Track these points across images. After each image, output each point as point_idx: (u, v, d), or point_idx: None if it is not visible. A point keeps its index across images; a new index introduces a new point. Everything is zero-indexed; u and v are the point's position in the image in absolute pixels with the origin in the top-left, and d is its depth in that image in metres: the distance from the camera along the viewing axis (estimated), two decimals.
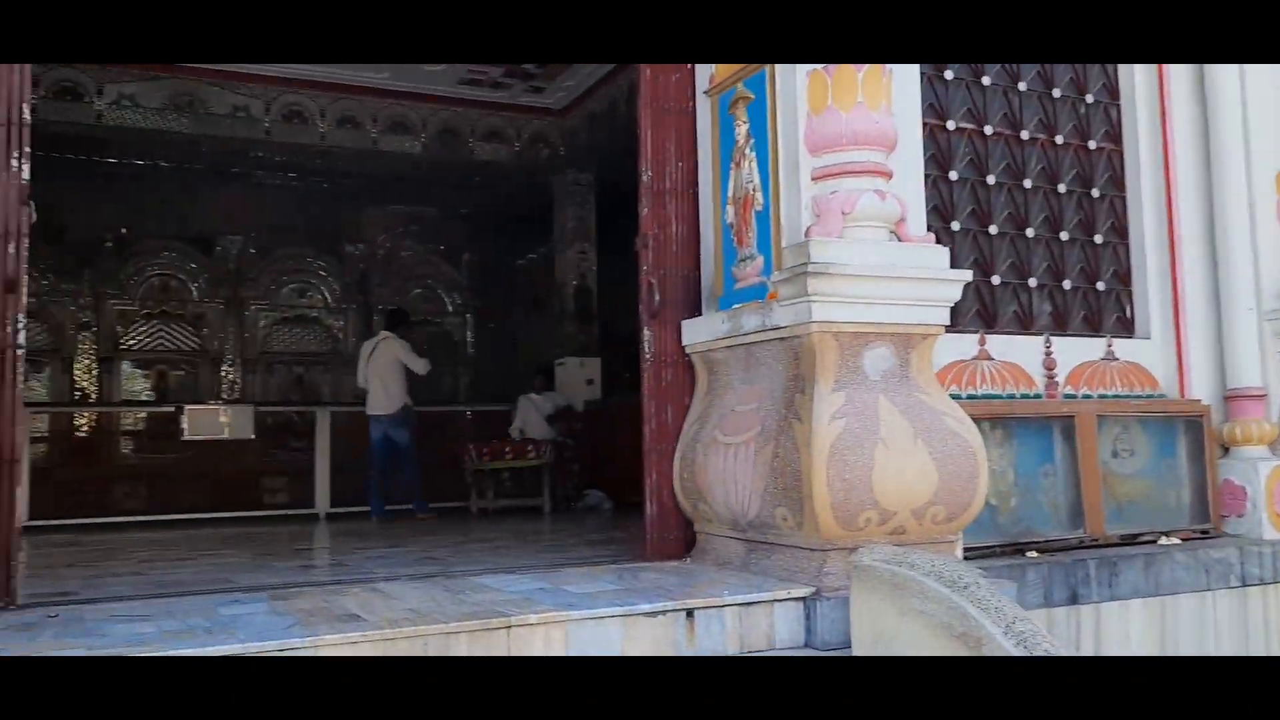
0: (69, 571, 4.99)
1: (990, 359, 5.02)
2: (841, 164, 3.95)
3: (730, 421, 4.22)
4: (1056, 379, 5.18)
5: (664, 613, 3.40)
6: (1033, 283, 5.32)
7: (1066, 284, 5.41)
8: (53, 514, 9.80)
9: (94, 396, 13.26)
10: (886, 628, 3.31)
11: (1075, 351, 5.27)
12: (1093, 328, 5.46)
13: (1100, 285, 5.50)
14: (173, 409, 11.54)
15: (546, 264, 13.86)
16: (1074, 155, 5.49)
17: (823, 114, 3.97)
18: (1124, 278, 5.57)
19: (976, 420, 4.84)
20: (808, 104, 4.03)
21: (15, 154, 3.49)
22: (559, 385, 11.86)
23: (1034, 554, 4.79)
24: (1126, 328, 5.54)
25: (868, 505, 3.74)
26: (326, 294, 15.27)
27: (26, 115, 3.52)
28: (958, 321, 5.05)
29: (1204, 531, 5.32)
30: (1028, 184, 5.34)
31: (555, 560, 4.81)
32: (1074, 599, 4.65)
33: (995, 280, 5.22)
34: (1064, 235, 5.42)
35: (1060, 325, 5.38)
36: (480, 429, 11.34)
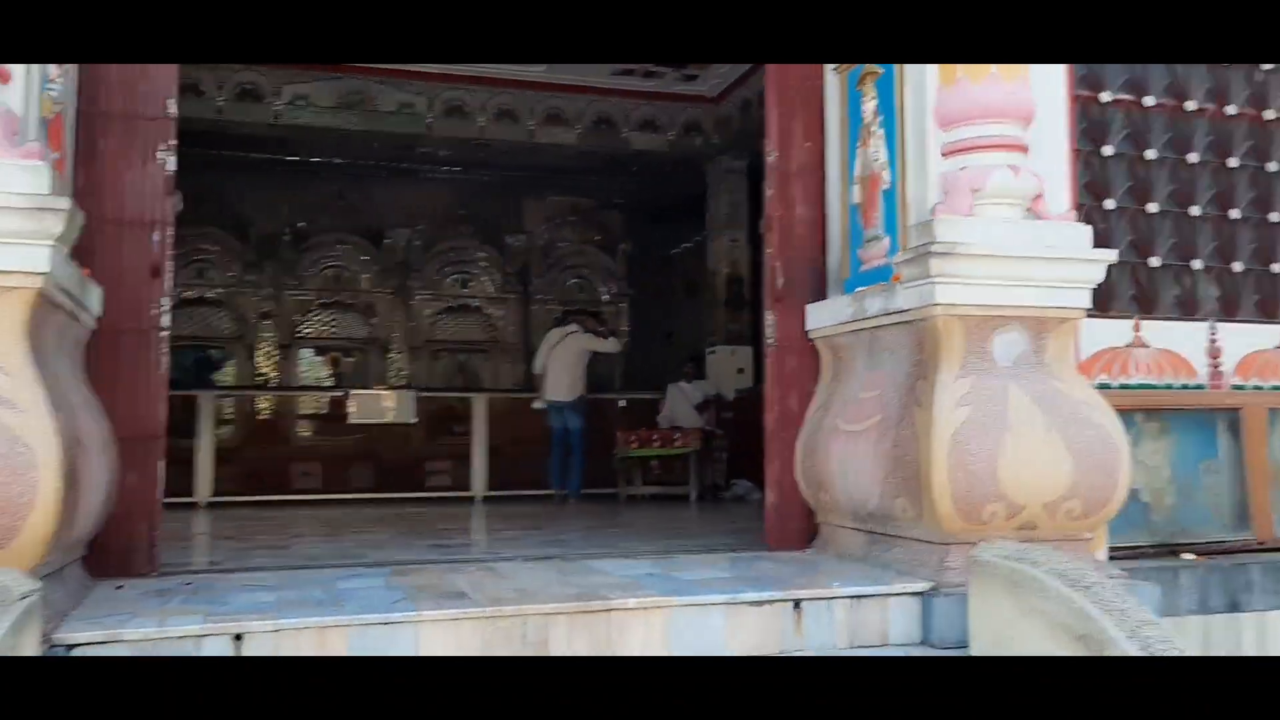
0: (226, 544, 5.29)
1: (1145, 346, 4.68)
2: (972, 138, 3.75)
3: (853, 409, 4.08)
4: (1222, 368, 4.78)
5: (770, 603, 3.31)
6: (1197, 264, 4.93)
7: (1237, 266, 4.98)
8: (236, 491, 10.49)
9: (274, 381, 14.03)
10: (1005, 627, 3.12)
11: (1245, 339, 4.85)
12: (1267, 314, 5.01)
13: (1276, 268, 5.04)
14: (341, 394, 12.12)
15: (700, 252, 13.82)
16: (1248, 127, 5.04)
17: (953, 86, 3.78)
18: None
19: (1128, 412, 4.56)
20: (937, 76, 3.84)
21: (162, 147, 3.70)
22: (710, 374, 11.81)
23: (1189, 556, 4.45)
24: None
25: (993, 498, 3.54)
26: (488, 284, 15.66)
27: (173, 110, 3.73)
28: (1110, 306, 4.75)
29: None
30: (1193, 158, 4.94)
31: (676, 546, 4.77)
32: (1234, 606, 4.30)
33: (1154, 262, 4.86)
34: (1234, 214, 5.00)
35: (1229, 311, 4.97)
36: (634, 417, 11.45)
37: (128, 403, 3.62)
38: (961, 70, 3.74)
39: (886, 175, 4.08)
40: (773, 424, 4.50)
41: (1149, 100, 4.87)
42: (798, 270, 4.51)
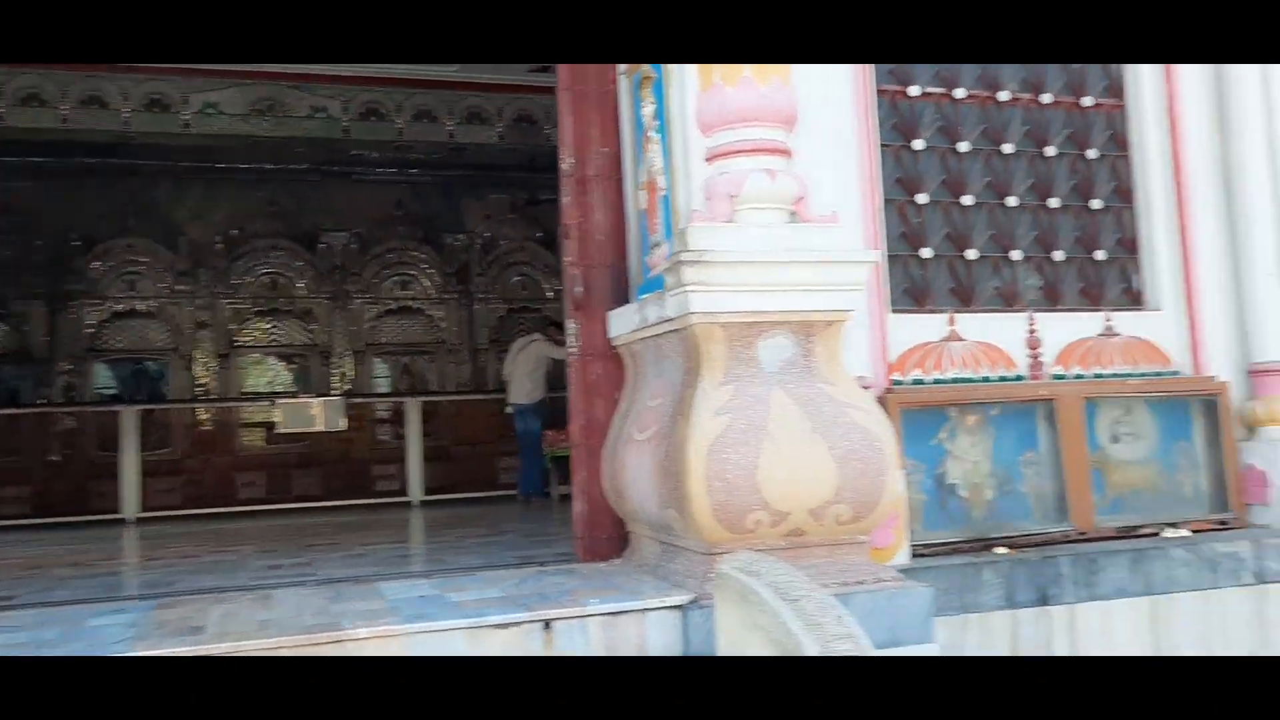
0: (58, 571, 5.22)
1: (961, 340, 4.65)
2: (729, 143, 3.71)
3: (643, 418, 4.05)
4: (1041, 359, 4.76)
5: (516, 624, 3.28)
6: (1016, 255, 4.90)
7: (1058, 255, 4.95)
8: (174, 505, 10.47)
9: (215, 392, 13.95)
10: (738, 641, 3.10)
11: (1067, 328, 4.83)
12: (1092, 301, 4.99)
13: (1100, 255, 5.01)
14: (267, 403, 12.08)
15: None
16: (1065, 114, 5.01)
17: (710, 90, 3.73)
18: (1130, 245, 5.06)
19: (943, 406, 4.56)
20: (697, 80, 3.80)
21: None
22: None
23: (1003, 550, 4.43)
24: (1134, 300, 5.04)
25: (755, 506, 3.51)
26: (428, 285, 15.60)
27: None
28: (927, 300, 4.74)
29: (1222, 522, 4.80)
30: (1008, 149, 4.91)
31: (506, 559, 4.75)
32: (1044, 600, 4.28)
33: (971, 255, 4.83)
34: (1054, 202, 4.96)
35: (1053, 300, 4.95)
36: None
37: None
38: (718, 73, 3.70)
39: (663, 181, 4.04)
40: (578, 432, 4.47)
41: (960, 92, 4.83)
42: (599, 277, 4.46)
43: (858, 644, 2.72)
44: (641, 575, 3.97)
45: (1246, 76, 4.88)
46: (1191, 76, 4.96)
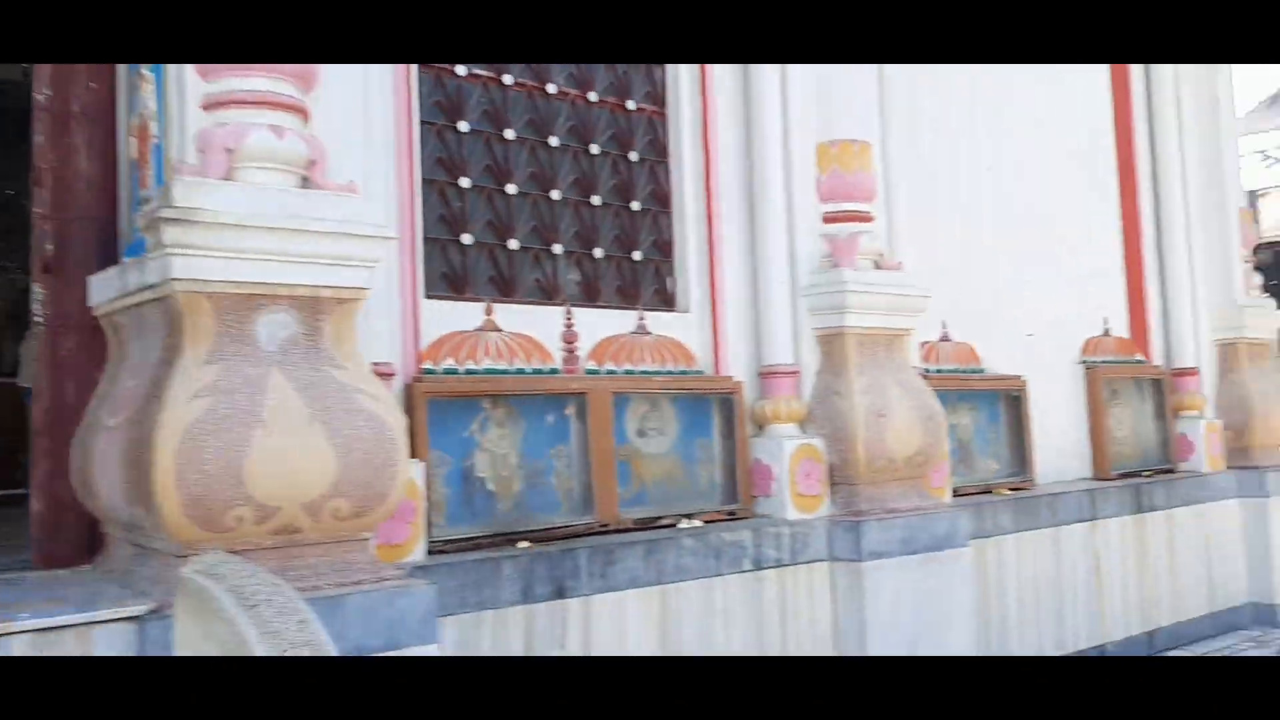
0: None
1: (498, 330, 4.54)
2: (231, 92, 3.28)
3: (119, 400, 3.48)
4: (577, 353, 4.77)
5: None
6: (558, 249, 4.89)
7: (598, 252, 5.02)
8: None
9: None
10: (194, 653, 2.70)
11: (604, 325, 4.89)
12: (628, 299, 5.10)
13: (637, 255, 5.15)
14: None
15: None
16: (610, 115, 5.09)
17: None
18: (665, 248, 5.24)
19: (475, 397, 4.42)
20: None
21: None
22: None
23: (526, 544, 4.36)
24: (667, 301, 5.23)
25: (238, 501, 3.11)
26: None
27: None
28: (466, 288, 4.57)
29: (731, 513, 5.10)
30: (554, 142, 4.89)
31: None
32: (561, 593, 4.26)
33: (513, 245, 4.74)
34: (596, 200, 5.02)
35: (591, 296, 4.99)
36: None
37: None
38: None
39: (156, 127, 3.52)
40: (42, 418, 3.79)
41: (508, 79, 4.74)
42: (79, 233, 3.82)
43: (312, 653, 2.44)
44: (105, 584, 3.41)
45: (770, 98, 5.22)
46: (724, 93, 5.24)
